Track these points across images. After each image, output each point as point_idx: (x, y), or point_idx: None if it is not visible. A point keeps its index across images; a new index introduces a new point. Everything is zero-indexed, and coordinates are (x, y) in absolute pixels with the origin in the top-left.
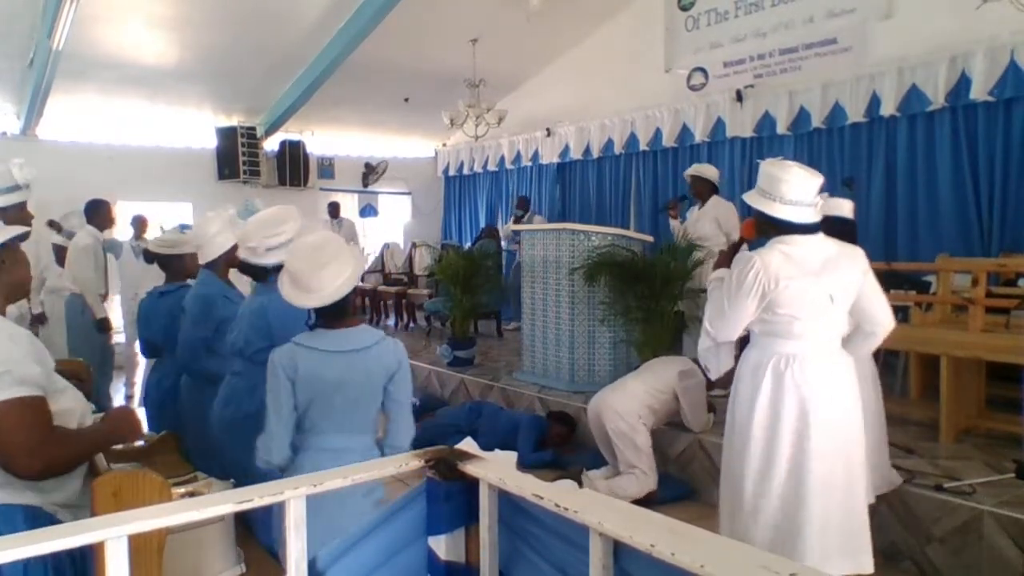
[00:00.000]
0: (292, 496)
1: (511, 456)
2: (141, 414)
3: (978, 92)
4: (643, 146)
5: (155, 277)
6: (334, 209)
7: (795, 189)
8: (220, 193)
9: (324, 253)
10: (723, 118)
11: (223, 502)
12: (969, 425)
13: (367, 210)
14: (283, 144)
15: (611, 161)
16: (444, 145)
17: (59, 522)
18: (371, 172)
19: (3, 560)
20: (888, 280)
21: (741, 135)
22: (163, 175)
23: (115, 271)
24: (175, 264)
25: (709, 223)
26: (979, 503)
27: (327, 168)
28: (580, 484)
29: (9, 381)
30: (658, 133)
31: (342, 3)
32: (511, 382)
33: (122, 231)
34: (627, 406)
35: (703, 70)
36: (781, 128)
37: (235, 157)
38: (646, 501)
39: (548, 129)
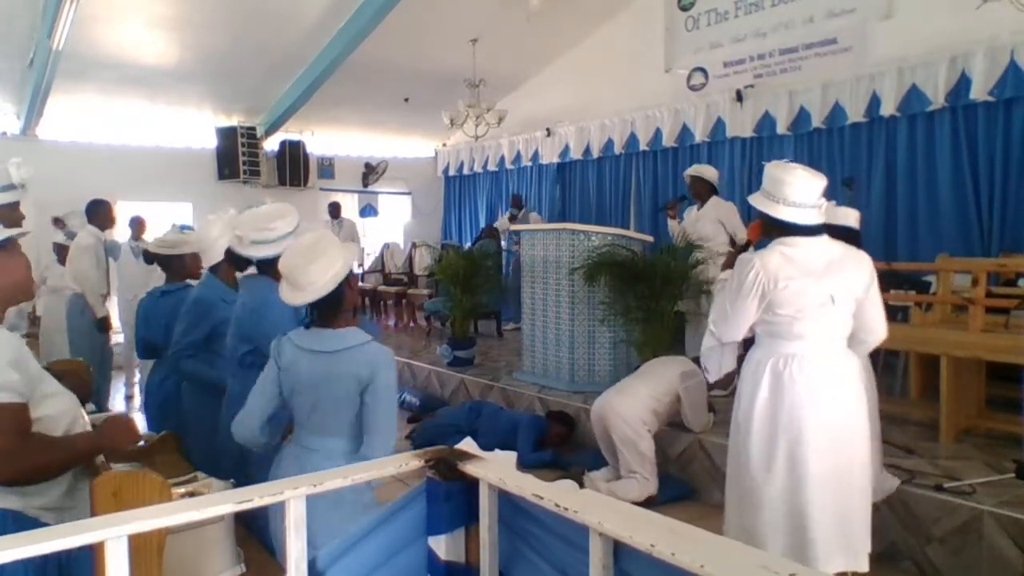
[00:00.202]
0: (292, 496)
1: (511, 456)
2: (141, 415)
3: (978, 92)
4: (643, 146)
5: (155, 279)
6: (335, 209)
7: (798, 191)
8: (220, 193)
9: (314, 250)
10: (723, 118)
11: (223, 502)
12: (969, 425)
13: (367, 210)
14: (283, 144)
15: (611, 161)
16: (444, 145)
17: (43, 525)
18: (371, 172)
19: (2, 560)
20: (888, 280)
21: (741, 135)
22: (163, 175)
23: (113, 273)
24: (175, 264)
25: (710, 224)
26: (979, 503)
27: (327, 168)
28: (582, 485)
29: None
30: (658, 133)
31: (342, 3)
32: (511, 382)
33: (122, 232)
34: (633, 412)
35: (703, 70)
36: (781, 128)
37: (235, 157)
38: (645, 504)
39: (548, 129)
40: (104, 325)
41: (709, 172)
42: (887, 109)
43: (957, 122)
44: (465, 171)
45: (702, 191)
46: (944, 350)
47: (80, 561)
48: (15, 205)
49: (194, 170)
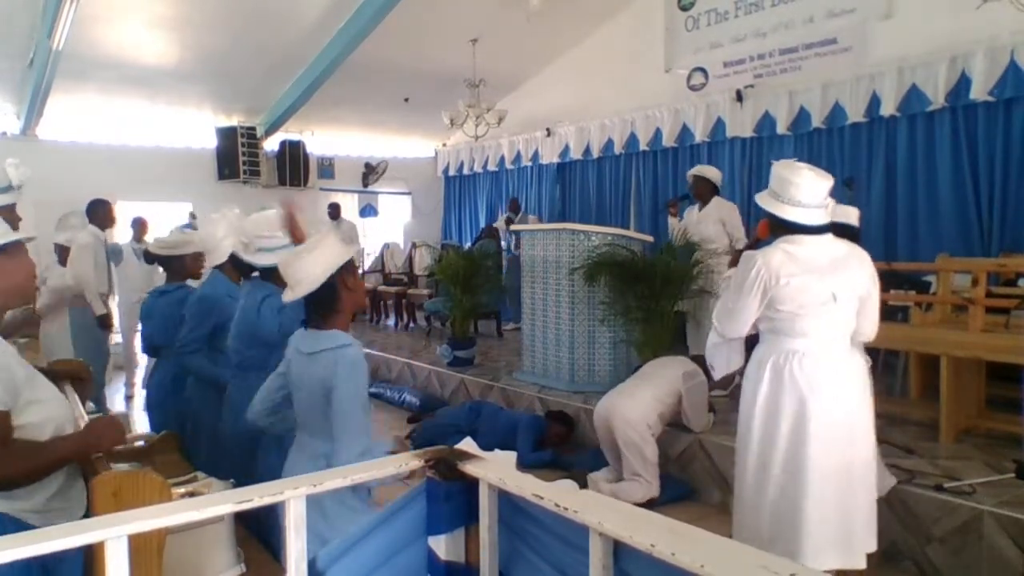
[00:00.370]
0: (292, 496)
1: (511, 456)
2: (143, 414)
3: (978, 92)
4: (643, 146)
5: (158, 279)
6: (334, 210)
7: (805, 192)
8: (220, 193)
9: (308, 247)
10: (723, 118)
11: (223, 502)
12: (969, 425)
13: (367, 210)
14: (283, 144)
15: (611, 161)
16: (444, 145)
17: (29, 526)
18: (371, 172)
19: (2, 560)
20: (888, 280)
21: (741, 135)
22: (163, 175)
23: (115, 276)
24: (175, 265)
25: (713, 224)
26: (979, 503)
27: (327, 168)
28: (584, 486)
29: None
30: (658, 133)
31: (342, 3)
32: (511, 382)
33: (122, 233)
34: (638, 415)
35: (703, 70)
36: (781, 128)
37: (235, 157)
38: (646, 506)
39: (548, 129)
40: (104, 322)
41: (712, 173)
42: (887, 109)
43: (957, 122)
44: (465, 171)
45: (704, 191)
46: (944, 350)
47: (65, 563)
48: (11, 207)
49: (194, 170)
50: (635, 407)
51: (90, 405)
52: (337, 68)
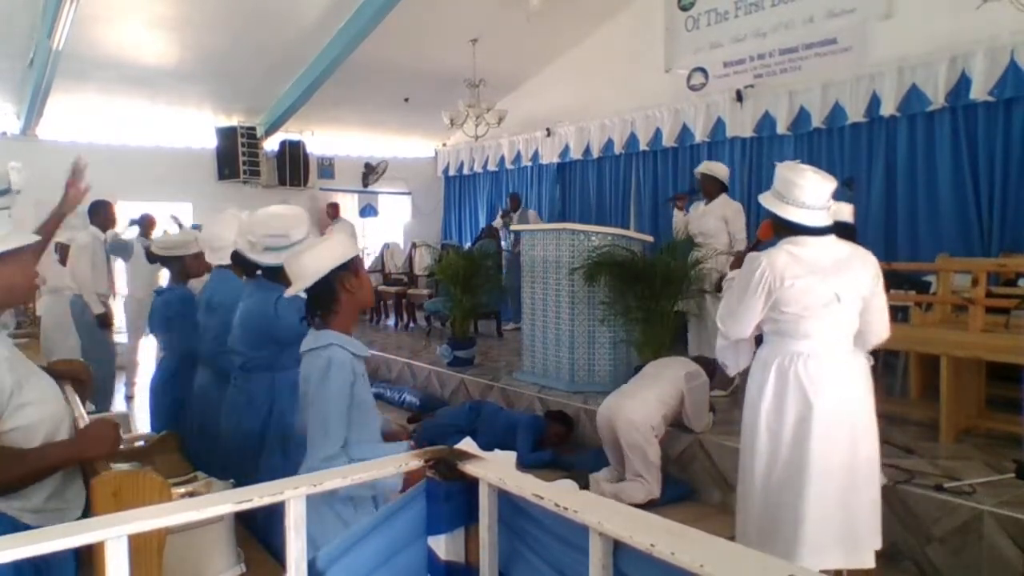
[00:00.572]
0: (292, 496)
1: (511, 456)
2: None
3: (978, 92)
4: (643, 146)
5: (165, 277)
6: (333, 210)
7: (808, 193)
8: (220, 193)
9: (310, 243)
10: (723, 118)
11: (223, 502)
12: (969, 425)
13: (367, 210)
14: (283, 144)
15: (611, 161)
16: (444, 145)
17: (24, 526)
18: (371, 172)
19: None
20: (888, 280)
21: (741, 135)
22: (163, 175)
23: (121, 273)
24: (175, 265)
25: (715, 220)
26: (979, 503)
27: (327, 168)
28: (585, 486)
29: None
30: (658, 133)
31: (342, 3)
32: (511, 382)
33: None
34: (641, 417)
35: (703, 70)
36: (781, 128)
37: (235, 157)
38: (647, 506)
39: (548, 129)
40: (103, 321)
41: (720, 170)
42: (887, 109)
43: (957, 122)
44: (465, 171)
45: (712, 189)
46: (944, 350)
47: (58, 563)
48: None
49: (194, 170)
50: (638, 409)
51: (90, 406)
52: (337, 68)
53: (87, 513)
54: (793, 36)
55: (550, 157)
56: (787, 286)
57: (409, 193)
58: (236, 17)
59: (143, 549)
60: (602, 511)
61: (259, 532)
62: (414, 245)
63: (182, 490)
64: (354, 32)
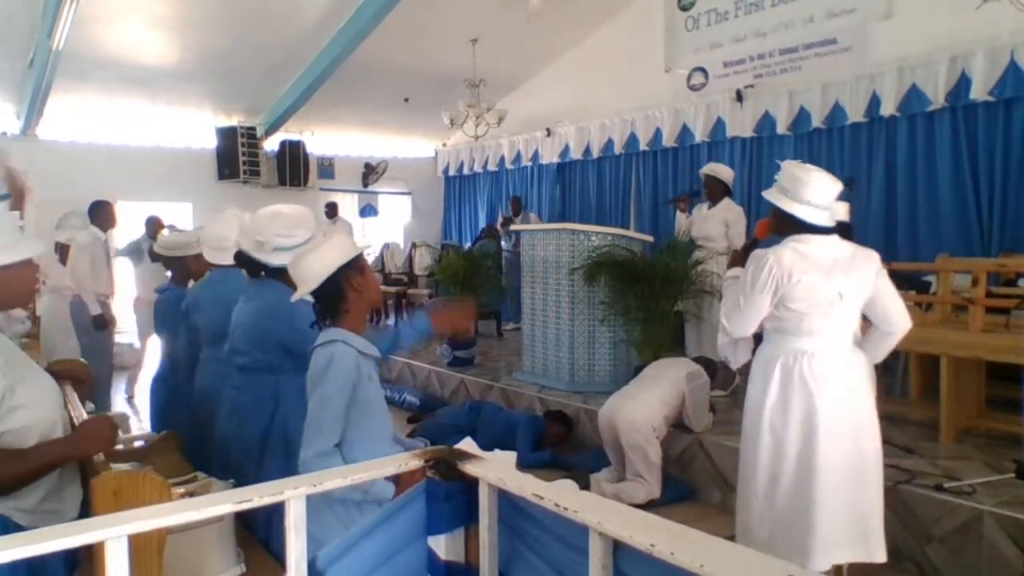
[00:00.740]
0: (292, 496)
1: (511, 456)
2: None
3: (978, 92)
4: (643, 146)
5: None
6: (331, 209)
7: (816, 192)
8: (220, 193)
9: (312, 245)
10: (723, 118)
11: (223, 502)
12: (969, 425)
13: (367, 210)
14: (283, 144)
15: (611, 161)
16: (444, 145)
17: (18, 526)
18: (371, 172)
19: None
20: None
21: (741, 135)
22: (163, 175)
23: (131, 274)
24: (175, 266)
25: (717, 224)
26: (979, 503)
27: (327, 168)
28: (586, 486)
29: None
30: (658, 133)
31: (342, 3)
32: (511, 382)
33: (122, 233)
34: (643, 419)
35: (703, 70)
36: (781, 128)
37: (235, 157)
38: (647, 506)
39: (548, 129)
40: (99, 323)
41: (724, 172)
42: (887, 109)
43: (957, 122)
44: (465, 171)
45: (716, 191)
46: (944, 350)
47: (51, 564)
48: None
49: (194, 170)
50: (640, 409)
51: (90, 406)
52: (337, 68)
53: (85, 514)
54: (793, 36)
55: (550, 157)
56: (794, 282)
57: (409, 193)
58: (236, 17)
59: (143, 549)
60: (602, 511)
61: (259, 532)
62: (414, 245)
63: (182, 490)
64: (354, 32)
